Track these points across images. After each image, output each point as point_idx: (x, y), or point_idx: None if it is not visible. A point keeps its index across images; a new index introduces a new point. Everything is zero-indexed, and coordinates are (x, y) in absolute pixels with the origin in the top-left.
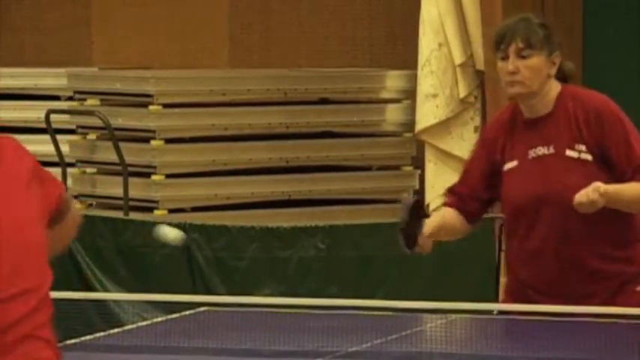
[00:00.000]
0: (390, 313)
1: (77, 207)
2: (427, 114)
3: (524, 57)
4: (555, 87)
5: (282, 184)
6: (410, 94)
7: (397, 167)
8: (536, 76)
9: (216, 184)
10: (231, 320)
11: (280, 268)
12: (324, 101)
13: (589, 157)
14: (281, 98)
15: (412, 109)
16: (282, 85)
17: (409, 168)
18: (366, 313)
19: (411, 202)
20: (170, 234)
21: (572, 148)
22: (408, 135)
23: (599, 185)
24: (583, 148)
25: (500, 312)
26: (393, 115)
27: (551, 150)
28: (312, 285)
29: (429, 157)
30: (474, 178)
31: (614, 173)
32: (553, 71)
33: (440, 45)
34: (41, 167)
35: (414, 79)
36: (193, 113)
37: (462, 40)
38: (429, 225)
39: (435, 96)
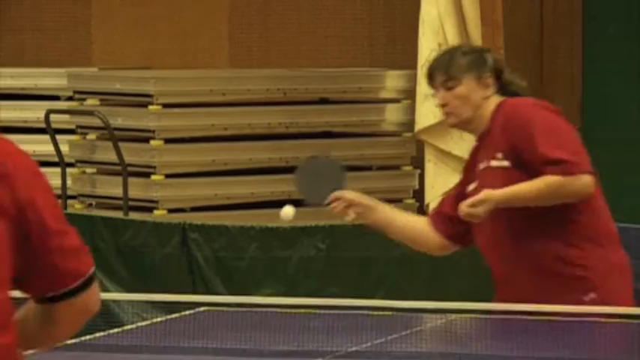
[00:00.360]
0: (390, 312)
1: (77, 206)
2: (427, 114)
3: (450, 88)
4: (492, 104)
5: (282, 184)
6: (409, 94)
7: (397, 167)
8: (465, 104)
9: (215, 184)
10: (231, 320)
11: (280, 268)
12: (323, 101)
13: (506, 163)
14: (281, 98)
15: (412, 109)
16: (281, 85)
17: (409, 168)
18: (366, 312)
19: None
20: (288, 213)
21: (495, 158)
22: (407, 135)
23: (483, 192)
24: (501, 155)
25: (501, 312)
26: (392, 114)
27: (485, 164)
28: (312, 285)
29: (429, 156)
30: (448, 201)
31: (530, 174)
32: (488, 92)
33: (439, 45)
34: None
35: (413, 78)
36: (193, 113)
37: (461, 40)
38: (356, 195)
39: (434, 96)
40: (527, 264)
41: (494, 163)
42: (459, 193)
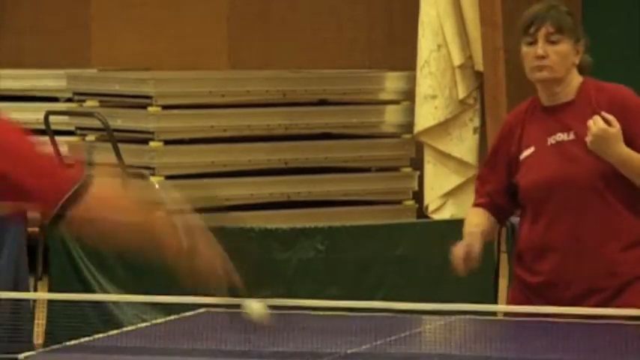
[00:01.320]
0: (390, 314)
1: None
2: (426, 115)
3: (553, 42)
4: (577, 76)
5: (281, 185)
6: (409, 96)
7: (396, 168)
8: (563, 62)
9: (215, 186)
10: (230, 321)
11: (279, 270)
12: (323, 102)
13: None
14: (280, 99)
15: (411, 111)
16: (281, 86)
17: (408, 169)
18: (365, 314)
19: None
20: (256, 310)
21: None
22: (407, 136)
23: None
24: None
25: (500, 313)
26: (392, 116)
27: (571, 136)
28: (311, 286)
29: (428, 158)
30: (498, 172)
31: None
32: (577, 60)
33: (439, 46)
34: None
35: (412, 80)
36: (192, 115)
37: (461, 41)
38: (475, 243)
39: (434, 97)
40: (593, 247)
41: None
42: (508, 163)
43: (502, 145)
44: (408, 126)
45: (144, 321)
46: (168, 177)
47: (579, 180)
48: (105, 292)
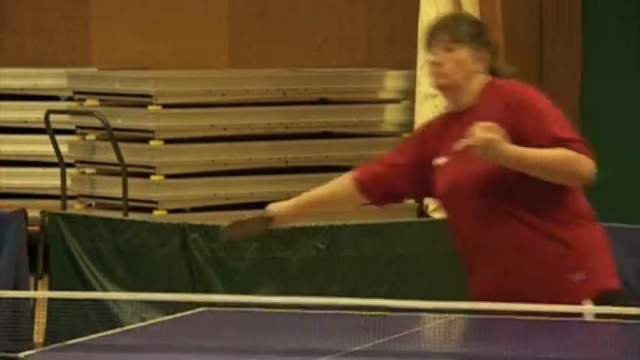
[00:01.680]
0: (391, 312)
1: (76, 207)
2: (426, 114)
3: (449, 50)
4: (482, 81)
5: (282, 184)
6: (409, 95)
7: None
8: (459, 70)
9: (215, 185)
10: (230, 320)
11: (280, 269)
12: (323, 101)
13: None
14: (280, 98)
15: (411, 110)
16: (281, 85)
17: None
18: (366, 313)
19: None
20: None
21: None
22: (407, 135)
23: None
24: None
25: (500, 312)
26: (392, 115)
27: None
28: (311, 285)
29: None
30: (393, 167)
31: None
32: (480, 67)
33: None
34: None
35: (413, 79)
36: (192, 114)
37: None
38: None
39: (434, 96)
40: (510, 244)
41: None
42: (411, 166)
43: (413, 145)
44: (409, 125)
45: (144, 320)
46: (169, 176)
47: (466, 188)
48: (105, 291)
